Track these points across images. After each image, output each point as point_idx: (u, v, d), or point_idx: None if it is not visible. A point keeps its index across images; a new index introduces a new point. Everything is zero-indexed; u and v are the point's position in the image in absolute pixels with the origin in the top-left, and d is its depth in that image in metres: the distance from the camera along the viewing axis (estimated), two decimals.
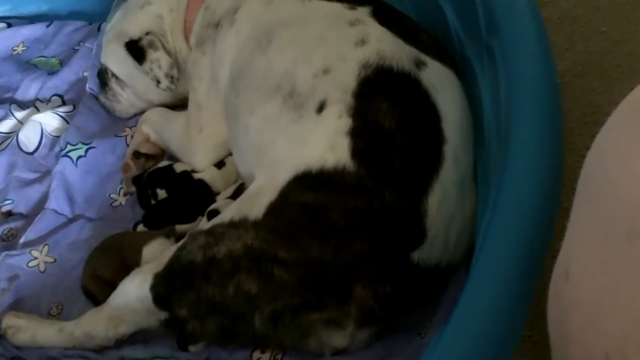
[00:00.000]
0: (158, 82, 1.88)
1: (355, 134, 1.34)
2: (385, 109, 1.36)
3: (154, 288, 1.43)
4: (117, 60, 1.96)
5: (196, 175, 1.78)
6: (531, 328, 1.52)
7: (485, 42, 1.41)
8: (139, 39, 1.89)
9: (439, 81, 1.43)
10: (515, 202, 1.10)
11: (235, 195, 1.68)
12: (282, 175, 1.38)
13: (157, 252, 1.56)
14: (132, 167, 1.90)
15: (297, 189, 1.36)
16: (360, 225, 1.30)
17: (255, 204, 1.39)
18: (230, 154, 1.79)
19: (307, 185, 1.35)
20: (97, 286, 1.63)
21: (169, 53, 1.88)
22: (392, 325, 1.39)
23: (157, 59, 1.87)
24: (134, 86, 1.99)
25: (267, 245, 1.33)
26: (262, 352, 1.46)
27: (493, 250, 1.07)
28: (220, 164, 1.78)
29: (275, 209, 1.35)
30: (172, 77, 1.88)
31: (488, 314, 0.99)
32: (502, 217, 1.10)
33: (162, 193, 1.78)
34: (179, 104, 1.98)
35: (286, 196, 1.36)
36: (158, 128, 1.92)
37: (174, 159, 1.88)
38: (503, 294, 1.00)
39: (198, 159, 1.80)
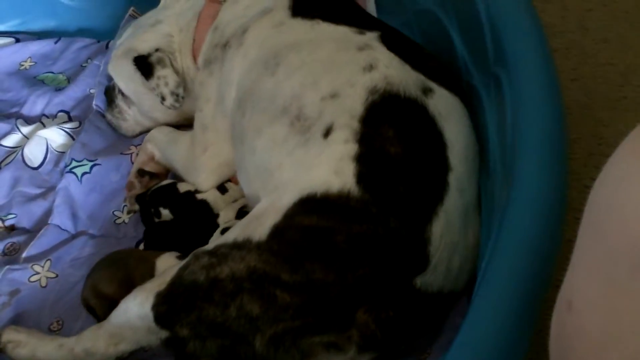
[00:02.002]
0: (163, 99, 1.88)
1: (361, 159, 1.35)
2: (392, 135, 1.36)
3: (155, 307, 1.43)
4: (124, 77, 1.97)
5: (199, 196, 1.78)
6: (532, 355, 1.52)
7: (493, 71, 1.42)
8: (148, 55, 1.89)
9: (445, 109, 1.43)
10: (519, 232, 1.10)
11: (237, 216, 1.68)
12: (286, 198, 1.38)
13: (172, 262, 1.57)
14: (136, 185, 1.91)
15: (301, 212, 1.36)
16: (364, 250, 1.30)
17: (259, 225, 1.38)
18: (230, 180, 1.80)
19: (312, 208, 1.35)
20: (97, 301, 1.64)
21: (176, 72, 1.89)
22: (393, 351, 1.39)
23: (165, 76, 1.87)
24: (140, 103, 2.00)
25: (270, 267, 1.33)
26: None
27: (495, 281, 1.07)
28: (223, 190, 1.78)
29: (279, 231, 1.35)
30: (177, 96, 1.88)
31: (489, 343, 1.00)
32: (505, 247, 1.10)
33: (165, 212, 1.79)
34: (185, 124, 1.98)
35: (290, 219, 1.36)
36: (163, 147, 1.93)
37: (178, 178, 1.89)
38: (504, 324, 1.01)
39: (202, 178, 1.80)
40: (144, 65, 1.89)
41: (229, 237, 1.42)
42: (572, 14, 2.24)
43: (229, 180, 1.80)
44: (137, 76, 1.91)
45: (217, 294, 1.36)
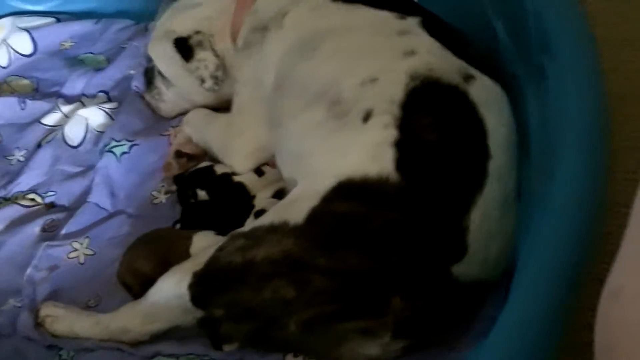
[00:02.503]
0: (202, 81, 1.89)
1: (400, 145, 1.34)
2: (432, 121, 1.36)
3: (191, 287, 1.44)
4: (164, 58, 1.98)
5: (236, 178, 1.79)
6: (566, 352, 1.52)
7: (536, 60, 1.40)
8: (188, 37, 1.90)
9: (486, 96, 1.42)
10: (559, 225, 1.10)
11: (275, 197, 1.69)
12: (324, 183, 1.38)
13: (209, 242, 1.58)
14: (174, 166, 1.92)
15: (339, 197, 1.36)
16: (400, 237, 1.30)
17: (295, 209, 1.39)
18: (267, 163, 1.81)
19: (350, 194, 1.35)
20: (133, 278, 1.66)
21: (216, 55, 1.90)
22: (427, 339, 1.39)
23: (205, 58, 1.88)
24: (178, 85, 2.01)
25: (306, 252, 1.33)
26: (295, 355, 1.46)
27: (534, 274, 1.07)
28: (259, 172, 1.78)
29: (316, 216, 1.35)
30: (216, 78, 1.89)
31: (525, 335, 1.00)
32: (544, 240, 1.10)
33: (202, 194, 1.80)
34: (222, 107, 1.99)
35: (328, 204, 1.36)
36: (200, 129, 1.94)
37: (215, 160, 1.89)
38: (542, 318, 1.01)
39: (237, 161, 1.81)
40: (184, 47, 1.90)
41: (266, 220, 1.43)
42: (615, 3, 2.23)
43: (266, 164, 1.80)
44: (176, 58, 1.92)
45: (252, 276, 1.37)
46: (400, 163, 1.33)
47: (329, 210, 1.36)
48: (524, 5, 1.46)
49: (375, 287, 1.30)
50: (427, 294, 1.31)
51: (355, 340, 1.35)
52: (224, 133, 1.85)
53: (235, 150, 1.82)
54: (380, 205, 1.32)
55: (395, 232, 1.30)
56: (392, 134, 1.35)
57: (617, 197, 1.13)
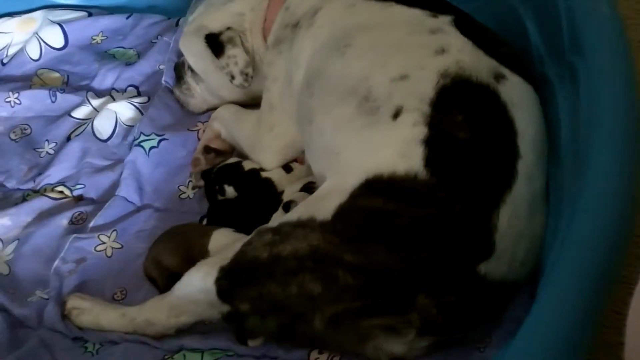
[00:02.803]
0: (232, 78, 1.89)
1: (430, 143, 1.34)
2: (461, 120, 1.35)
3: (218, 281, 1.45)
4: (194, 54, 1.98)
5: (264, 174, 1.79)
6: (592, 354, 1.51)
7: (568, 60, 1.39)
8: (220, 34, 1.90)
9: (517, 96, 1.42)
10: (589, 228, 1.08)
11: (303, 191, 1.69)
12: (352, 179, 1.38)
13: (227, 239, 1.59)
14: (202, 161, 1.93)
15: (367, 193, 1.36)
16: (427, 234, 1.30)
17: (323, 205, 1.39)
18: (296, 160, 1.81)
19: (378, 190, 1.35)
20: (158, 272, 1.68)
21: (246, 51, 1.90)
22: (452, 337, 1.39)
23: (235, 55, 1.88)
24: (208, 81, 2.01)
25: (333, 247, 1.33)
26: (320, 352, 1.47)
27: (562, 275, 1.06)
28: (288, 169, 1.79)
29: (344, 212, 1.35)
30: (246, 75, 1.89)
31: (554, 336, 0.99)
32: (574, 242, 1.09)
33: (229, 189, 1.81)
34: (251, 103, 1.99)
35: (355, 200, 1.36)
36: (229, 125, 1.95)
37: (243, 156, 1.90)
38: (570, 320, 1.00)
39: (266, 157, 1.81)
40: (215, 43, 1.90)
41: (293, 215, 1.43)
42: None
43: (295, 160, 1.81)
44: (207, 54, 1.92)
45: (279, 271, 1.37)
46: (429, 160, 1.32)
47: (356, 206, 1.35)
48: (556, 4, 1.45)
49: (401, 284, 1.30)
50: (453, 292, 1.30)
51: (380, 338, 1.35)
52: (253, 129, 1.85)
53: (264, 147, 1.82)
54: (408, 202, 1.32)
55: (423, 229, 1.30)
56: (421, 131, 1.35)
57: None
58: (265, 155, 1.82)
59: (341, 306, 1.33)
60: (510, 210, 1.32)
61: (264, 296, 1.39)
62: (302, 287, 1.35)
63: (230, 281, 1.45)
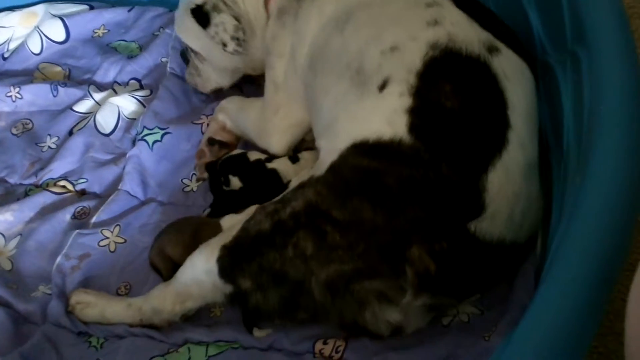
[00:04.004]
0: (224, 45, 1.85)
1: (415, 112, 1.36)
2: (449, 90, 1.37)
3: (220, 259, 1.47)
4: (189, 33, 1.96)
5: (269, 165, 1.78)
6: (598, 339, 1.50)
7: (570, 49, 1.38)
8: (203, 4, 1.86)
9: (510, 69, 1.42)
10: (594, 214, 1.07)
11: None
12: (342, 142, 1.41)
13: (237, 219, 1.59)
14: (207, 153, 1.92)
15: (354, 153, 1.38)
16: (414, 192, 1.31)
17: (319, 166, 1.44)
18: (304, 140, 1.82)
19: (364, 151, 1.38)
20: (163, 263, 1.67)
21: (237, 16, 1.86)
22: (448, 297, 1.40)
23: (222, 21, 1.84)
24: (209, 57, 1.98)
25: (322, 200, 1.37)
26: (325, 342, 1.48)
27: (566, 262, 1.04)
28: (294, 159, 1.78)
29: (334, 168, 1.40)
30: (238, 40, 1.85)
31: (558, 323, 0.97)
32: (579, 228, 1.07)
33: (234, 180, 1.79)
34: (257, 73, 1.98)
35: (345, 158, 1.39)
36: (234, 115, 1.94)
37: (248, 148, 1.89)
38: (574, 306, 0.98)
39: (274, 140, 1.81)
40: (201, 14, 1.87)
41: (296, 182, 1.49)
42: None
43: (307, 147, 1.81)
44: (198, 29, 1.89)
45: (279, 235, 1.40)
46: (414, 127, 1.35)
47: (345, 163, 1.39)
48: None
49: (390, 244, 1.31)
50: (444, 245, 1.31)
51: (376, 305, 1.36)
52: (259, 114, 1.85)
53: (271, 130, 1.82)
54: (393, 162, 1.34)
55: (408, 187, 1.32)
56: (406, 101, 1.37)
57: None
58: (274, 137, 1.82)
59: (332, 268, 1.35)
60: (502, 174, 1.33)
61: (264, 267, 1.41)
62: (297, 247, 1.37)
63: (231, 258, 1.46)
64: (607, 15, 1.32)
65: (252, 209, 1.55)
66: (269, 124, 1.81)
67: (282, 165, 1.77)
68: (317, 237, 1.35)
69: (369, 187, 1.34)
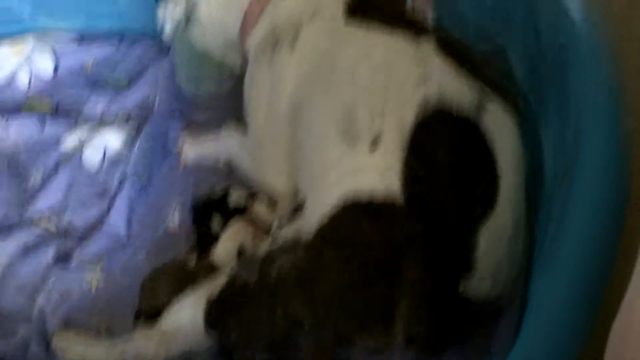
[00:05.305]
0: (162, 27, 1.91)
1: (407, 169, 1.35)
2: (441, 149, 1.37)
3: (206, 311, 1.46)
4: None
5: (250, 209, 1.80)
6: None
7: (553, 95, 1.41)
8: None
9: (498, 125, 1.42)
10: (574, 250, 1.10)
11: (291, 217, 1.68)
12: (332, 199, 1.39)
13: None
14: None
15: (345, 213, 1.37)
16: (406, 252, 1.31)
17: (305, 225, 1.41)
18: None
19: (356, 211, 1.36)
20: (151, 308, 1.65)
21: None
22: (436, 351, 1.39)
23: (175, 4, 1.88)
24: None
25: (313, 266, 1.35)
26: None
27: (545, 310, 1.07)
28: (273, 203, 1.79)
29: (324, 232, 1.38)
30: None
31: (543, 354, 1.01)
32: (557, 276, 1.10)
33: (216, 222, 1.80)
34: None
35: (335, 220, 1.38)
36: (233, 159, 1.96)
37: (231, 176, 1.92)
38: (557, 337, 1.02)
39: (276, 189, 1.80)
40: None
41: (279, 239, 1.45)
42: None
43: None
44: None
45: (266, 294, 1.38)
46: (407, 183, 1.34)
47: (337, 228, 1.37)
48: (538, 26, 1.47)
49: (381, 300, 1.31)
50: (433, 304, 1.31)
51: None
52: (252, 166, 1.86)
53: (271, 184, 1.81)
54: (387, 222, 1.33)
55: (401, 248, 1.31)
56: (399, 158, 1.36)
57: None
58: (275, 187, 1.80)
59: (324, 326, 1.33)
60: (490, 235, 1.33)
61: (251, 322, 1.40)
62: (287, 308, 1.35)
63: (218, 310, 1.45)
64: (589, 53, 1.34)
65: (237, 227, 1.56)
66: (266, 177, 1.81)
67: (262, 210, 1.78)
68: (309, 300, 1.34)
69: (362, 250, 1.33)
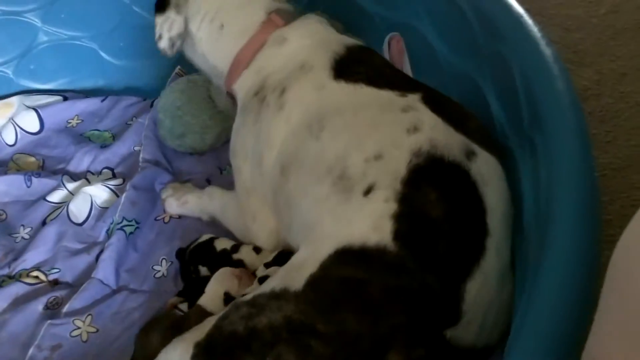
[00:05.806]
0: (159, 37, 1.90)
1: (400, 218, 1.36)
2: (433, 198, 1.37)
3: (194, 358, 1.45)
4: None
5: (235, 256, 1.81)
6: None
7: (528, 133, 1.42)
8: None
9: (487, 173, 1.44)
10: (551, 295, 1.10)
11: (276, 262, 1.70)
12: (324, 250, 1.39)
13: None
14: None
15: (337, 263, 1.37)
16: (397, 301, 1.31)
17: (296, 275, 1.40)
18: None
19: (348, 260, 1.36)
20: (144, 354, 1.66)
21: (186, 29, 1.91)
22: None
23: (173, 20, 1.89)
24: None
25: (306, 317, 1.34)
26: None
27: (527, 341, 1.07)
28: (257, 250, 1.80)
29: (315, 281, 1.37)
30: (173, 44, 1.91)
31: None
32: (537, 309, 1.10)
33: (203, 270, 1.82)
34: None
35: (326, 269, 1.37)
36: (218, 214, 1.99)
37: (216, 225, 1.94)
38: None
39: (261, 243, 1.82)
40: (163, 2, 1.91)
41: (267, 287, 1.43)
42: (607, 78, 2.27)
43: None
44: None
45: (256, 343, 1.37)
46: (399, 234, 1.34)
47: (327, 276, 1.37)
48: (514, 81, 1.49)
49: (371, 348, 1.30)
50: (421, 352, 1.30)
51: None
52: (238, 220, 1.87)
53: (255, 237, 1.83)
54: (378, 271, 1.33)
55: (392, 297, 1.31)
56: (392, 207, 1.37)
57: None
58: (259, 241, 1.82)
59: None
60: (479, 283, 1.34)
61: None
62: (279, 358, 1.34)
63: (206, 357, 1.44)
64: (561, 101, 1.37)
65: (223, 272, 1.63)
66: (250, 232, 1.83)
67: (247, 256, 1.80)
68: (301, 350, 1.33)
69: (354, 299, 1.33)
